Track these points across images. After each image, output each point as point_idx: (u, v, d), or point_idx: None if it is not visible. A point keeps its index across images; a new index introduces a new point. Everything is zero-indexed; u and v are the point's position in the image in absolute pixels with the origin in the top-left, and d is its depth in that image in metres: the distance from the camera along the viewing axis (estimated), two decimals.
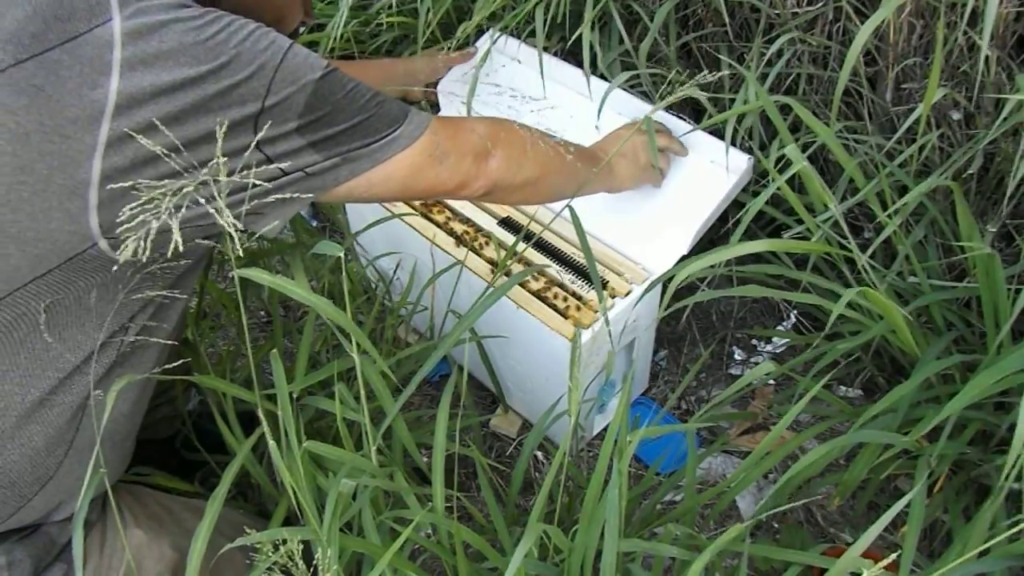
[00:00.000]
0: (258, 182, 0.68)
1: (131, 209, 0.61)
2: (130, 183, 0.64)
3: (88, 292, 0.70)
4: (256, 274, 0.68)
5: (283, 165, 0.70)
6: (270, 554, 0.69)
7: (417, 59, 1.36)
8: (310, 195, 0.74)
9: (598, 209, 1.18)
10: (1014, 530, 0.68)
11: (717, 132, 1.13)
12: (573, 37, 1.26)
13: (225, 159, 0.65)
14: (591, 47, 1.18)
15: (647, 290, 1.09)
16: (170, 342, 0.81)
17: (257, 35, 0.68)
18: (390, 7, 1.51)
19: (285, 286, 0.69)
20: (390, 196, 0.82)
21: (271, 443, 0.74)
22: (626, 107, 1.21)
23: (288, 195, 0.72)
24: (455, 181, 0.85)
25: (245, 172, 0.67)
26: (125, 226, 0.62)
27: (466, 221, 1.27)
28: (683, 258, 1.14)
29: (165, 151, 0.64)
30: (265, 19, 0.72)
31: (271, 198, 0.70)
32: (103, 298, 0.72)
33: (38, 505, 0.78)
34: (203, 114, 0.65)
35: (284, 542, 0.68)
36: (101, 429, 0.75)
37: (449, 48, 1.37)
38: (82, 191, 0.64)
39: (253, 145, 0.67)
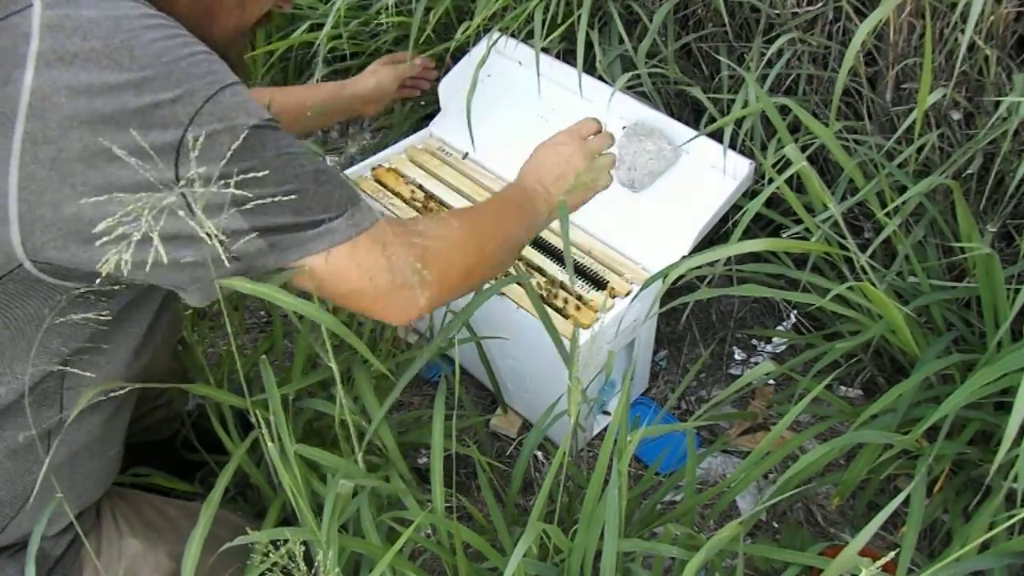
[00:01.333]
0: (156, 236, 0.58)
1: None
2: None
3: (24, 321, 0.64)
4: (239, 284, 0.65)
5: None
6: (270, 554, 0.69)
7: (365, 78, 1.27)
8: (224, 273, 0.64)
9: (600, 211, 1.18)
10: (1009, 523, 0.68)
11: (718, 135, 1.13)
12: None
13: (142, 192, 0.57)
14: (591, 48, 1.18)
15: (644, 286, 1.09)
16: (144, 355, 0.76)
17: (198, 58, 0.60)
18: (395, 6, 1.51)
19: (270, 295, 0.66)
20: (297, 288, 0.69)
21: (267, 446, 0.73)
22: (627, 110, 1.21)
23: (195, 259, 0.62)
24: (378, 308, 0.72)
25: (162, 213, 0.58)
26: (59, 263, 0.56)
27: None
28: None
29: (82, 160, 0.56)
30: (226, 2, 0.68)
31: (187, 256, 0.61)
32: (38, 326, 0.65)
33: (23, 523, 0.74)
34: (118, 129, 0.56)
35: (285, 542, 0.68)
36: (50, 457, 0.69)
37: (447, 50, 1.37)
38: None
39: (175, 178, 0.58)
